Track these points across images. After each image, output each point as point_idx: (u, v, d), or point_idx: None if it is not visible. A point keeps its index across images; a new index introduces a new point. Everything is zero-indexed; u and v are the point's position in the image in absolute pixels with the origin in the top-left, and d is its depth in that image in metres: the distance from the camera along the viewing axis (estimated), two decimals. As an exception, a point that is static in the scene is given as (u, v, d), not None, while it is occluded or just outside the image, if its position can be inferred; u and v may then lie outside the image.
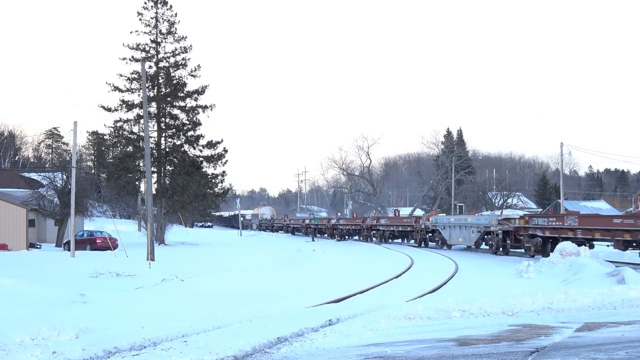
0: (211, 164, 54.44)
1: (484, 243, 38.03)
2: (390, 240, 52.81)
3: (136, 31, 54.06)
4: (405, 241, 51.52)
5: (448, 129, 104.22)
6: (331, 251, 40.66)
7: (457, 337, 9.71)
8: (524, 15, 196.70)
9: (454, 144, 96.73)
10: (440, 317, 11.72)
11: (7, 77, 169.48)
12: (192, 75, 54.37)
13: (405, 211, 79.55)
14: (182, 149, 53.83)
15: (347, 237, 63.47)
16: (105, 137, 59.62)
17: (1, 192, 52.41)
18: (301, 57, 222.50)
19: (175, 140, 54.07)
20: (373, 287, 19.21)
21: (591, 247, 26.85)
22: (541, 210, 73.01)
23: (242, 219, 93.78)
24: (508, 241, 35.22)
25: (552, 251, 35.11)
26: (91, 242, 45.23)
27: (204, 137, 54.04)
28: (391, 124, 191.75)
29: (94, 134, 64.82)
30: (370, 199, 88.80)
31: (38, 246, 47.62)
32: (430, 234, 45.35)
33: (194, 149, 54.18)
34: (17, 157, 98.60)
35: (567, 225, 28.98)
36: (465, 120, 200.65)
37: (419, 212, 78.51)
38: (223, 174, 55.17)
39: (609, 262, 21.60)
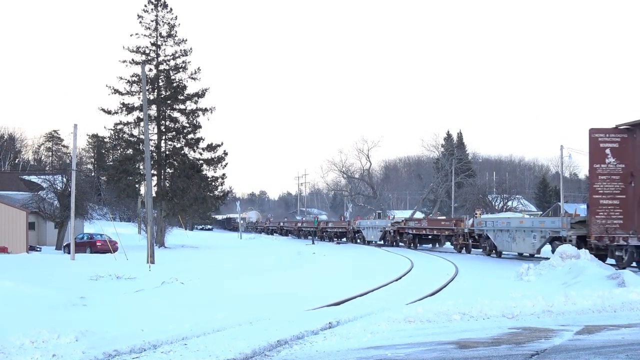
0: (211, 167, 54.48)
1: (383, 240, 52.88)
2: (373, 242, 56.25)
3: (136, 34, 54.17)
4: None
5: (448, 131, 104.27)
6: (331, 254, 40.64)
7: (457, 340, 9.71)
8: (523, 18, 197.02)
9: (454, 146, 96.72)
10: (440, 320, 11.71)
11: (7, 80, 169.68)
12: (192, 78, 54.44)
13: (405, 214, 79.57)
14: (182, 151, 53.86)
15: (334, 239, 65.61)
16: (105, 139, 59.65)
17: (1, 194, 52.44)
18: (301, 59, 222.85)
19: (175, 143, 54.10)
20: (373, 290, 19.20)
21: (436, 241, 46.13)
22: (541, 213, 72.96)
23: (241, 221, 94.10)
24: (397, 237, 50.10)
25: (419, 244, 48.33)
26: (91, 245, 45.22)
27: (204, 139, 54.14)
28: (391, 126, 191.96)
29: (94, 136, 64.74)
30: (370, 202, 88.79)
31: (38, 249, 47.61)
32: (357, 234, 58.32)
33: (194, 151, 54.24)
34: (17, 159, 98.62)
35: (423, 226, 46.97)
36: (466, 123, 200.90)
37: (419, 215, 78.59)
38: (223, 176, 55.24)
39: (609, 265, 21.59)
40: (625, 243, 24.76)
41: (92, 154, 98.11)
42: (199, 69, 54.62)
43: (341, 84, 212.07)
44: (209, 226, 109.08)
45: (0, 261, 31.37)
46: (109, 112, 53.02)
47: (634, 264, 24.68)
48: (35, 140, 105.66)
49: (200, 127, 54.04)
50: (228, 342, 9.57)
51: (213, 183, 55.00)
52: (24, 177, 66.18)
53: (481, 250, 37.71)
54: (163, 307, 15.97)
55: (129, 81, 53.18)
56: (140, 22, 54.31)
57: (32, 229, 50.29)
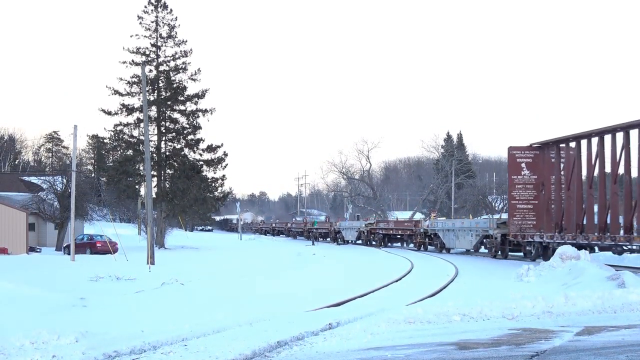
0: (211, 168, 54.54)
1: (359, 239, 58.29)
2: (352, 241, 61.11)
3: (136, 35, 54.22)
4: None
5: (448, 132, 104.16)
6: (331, 255, 40.62)
7: (457, 340, 9.70)
8: (523, 19, 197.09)
9: (454, 147, 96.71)
10: (440, 321, 11.71)
11: (7, 81, 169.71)
12: (192, 79, 54.50)
13: (405, 215, 79.75)
14: (182, 152, 53.90)
15: (320, 238, 70.93)
16: (105, 140, 59.68)
17: (1, 195, 52.47)
18: (301, 60, 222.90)
19: (175, 144, 54.13)
20: (373, 291, 19.20)
21: (403, 240, 51.57)
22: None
23: (241, 223, 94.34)
24: (370, 237, 55.44)
25: (389, 243, 54.11)
26: (91, 246, 45.23)
27: (204, 140, 54.20)
28: (391, 127, 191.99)
29: (94, 137, 64.74)
30: (370, 203, 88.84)
31: (38, 250, 47.60)
32: (337, 234, 64.24)
33: (194, 152, 54.28)
34: (17, 160, 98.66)
35: (390, 227, 53.03)
36: (466, 124, 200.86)
37: (419, 216, 78.59)
38: (223, 177, 55.30)
39: (608, 266, 21.61)
40: (532, 240, 30.35)
41: (92, 155, 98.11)
42: (199, 70, 54.73)
43: (341, 85, 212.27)
44: (209, 227, 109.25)
45: (0, 262, 31.37)
46: (109, 113, 53.05)
47: (540, 258, 29.06)
48: (35, 141, 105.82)
49: (200, 128, 54.11)
50: (228, 343, 9.57)
51: (213, 184, 55.05)
52: (24, 178, 66.22)
53: (434, 247, 43.79)
54: (163, 308, 15.97)
55: (129, 82, 53.22)
56: (141, 23, 54.37)
57: (32, 230, 50.28)
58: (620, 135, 25.24)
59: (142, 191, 57.16)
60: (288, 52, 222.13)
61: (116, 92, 52.89)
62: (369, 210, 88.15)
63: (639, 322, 11.43)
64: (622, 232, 24.77)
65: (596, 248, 26.68)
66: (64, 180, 50.65)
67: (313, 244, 62.49)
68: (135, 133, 53.41)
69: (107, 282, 22.56)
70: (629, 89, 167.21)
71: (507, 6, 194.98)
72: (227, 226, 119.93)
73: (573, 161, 28.69)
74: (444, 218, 58.11)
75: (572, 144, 29.16)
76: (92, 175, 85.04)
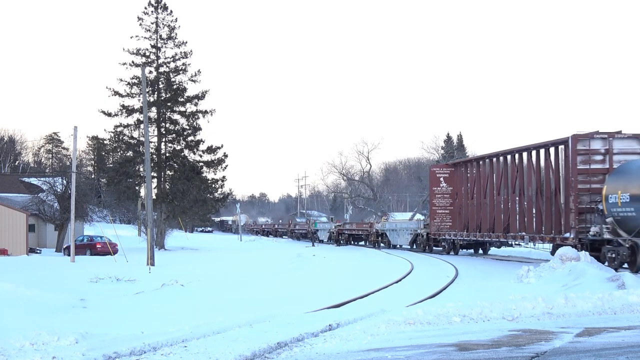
0: (211, 169, 54.56)
1: (330, 239, 65.79)
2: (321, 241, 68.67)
3: (136, 36, 54.23)
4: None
5: (448, 133, 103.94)
6: (331, 256, 40.60)
7: (457, 342, 9.70)
8: (524, 19, 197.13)
9: (454, 148, 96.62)
10: (440, 322, 11.71)
11: (7, 82, 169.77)
12: (192, 80, 54.51)
13: (405, 216, 79.79)
14: (182, 154, 53.91)
15: (300, 238, 78.72)
16: (105, 142, 59.66)
17: (1, 197, 52.46)
18: (301, 61, 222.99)
19: (175, 145, 54.14)
20: (373, 292, 19.19)
21: (363, 239, 59.17)
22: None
23: (241, 224, 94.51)
24: (339, 237, 62.91)
25: (353, 241, 62.49)
26: (91, 247, 45.23)
27: (204, 142, 54.20)
28: (391, 128, 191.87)
29: (94, 138, 64.80)
30: (370, 204, 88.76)
31: (38, 251, 47.60)
32: (314, 234, 70.88)
33: (194, 154, 54.29)
34: (17, 162, 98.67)
35: (354, 228, 62.02)
36: (466, 125, 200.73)
37: (419, 217, 78.65)
38: (223, 179, 55.31)
39: (609, 267, 21.60)
40: (445, 237, 40.10)
41: (92, 156, 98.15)
42: (199, 71, 54.74)
43: (341, 86, 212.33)
44: (209, 228, 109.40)
45: (0, 263, 31.37)
46: (109, 114, 53.05)
47: (452, 252, 39.61)
48: (35, 142, 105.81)
49: (200, 129, 54.12)
50: (228, 344, 9.57)
51: (213, 185, 55.08)
52: (24, 179, 66.16)
53: (383, 244, 52.11)
54: (163, 309, 15.98)
55: (129, 83, 53.22)
56: (141, 24, 54.38)
57: (32, 231, 50.27)
58: (502, 159, 33.54)
59: (142, 192, 57.16)
60: (288, 53, 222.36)
61: (116, 93, 52.90)
62: (369, 211, 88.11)
63: (639, 324, 11.43)
64: (501, 231, 33.06)
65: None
66: (64, 181, 50.63)
67: (313, 245, 62.61)
68: (136, 134, 53.44)
69: (107, 284, 22.57)
70: (629, 89, 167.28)
71: (507, 7, 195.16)
72: (223, 227, 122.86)
73: (474, 177, 37.13)
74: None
75: (474, 164, 37.61)
76: (92, 176, 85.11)
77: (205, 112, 53.93)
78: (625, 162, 25.07)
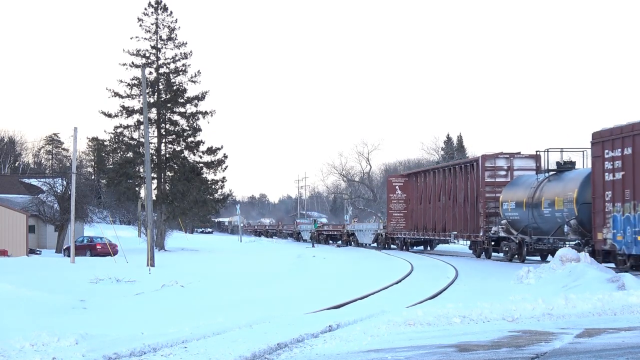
0: (211, 170, 54.51)
1: (311, 238, 70.09)
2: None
3: (136, 37, 54.13)
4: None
5: (448, 134, 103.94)
6: (331, 257, 40.61)
7: (457, 343, 9.71)
8: (524, 20, 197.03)
9: (454, 149, 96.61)
10: (440, 323, 11.72)
11: (7, 83, 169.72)
12: (192, 81, 54.43)
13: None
14: (182, 155, 53.84)
15: (287, 237, 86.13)
16: (105, 143, 59.59)
17: (1, 197, 52.40)
18: (301, 62, 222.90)
19: (175, 146, 54.09)
20: (373, 293, 19.19)
21: (336, 238, 67.78)
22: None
23: (241, 225, 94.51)
24: (318, 236, 69.99)
25: (330, 240, 71.00)
26: (91, 248, 45.20)
27: (204, 143, 54.12)
28: (391, 129, 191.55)
29: (94, 140, 64.85)
30: (371, 205, 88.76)
31: (38, 252, 47.58)
32: (299, 234, 79.94)
33: (194, 155, 54.23)
34: (17, 163, 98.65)
35: (330, 229, 71.14)
36: (466, 126, 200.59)
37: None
38: (223, 180, 55.25)
39: (609, 268, 21.61)
40: (397, 236, 48.59)
41: (92, 157, 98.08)
42: (199, 72, 54.65)
43: (341, 87, 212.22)
44: (209, 229, 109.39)
45: (0, 264, 31.37)
46: (109, 115, 53.00)
47: (405, 248, 47.78)
48: (35, 143, 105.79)
49: (200, 130, 54.07)
50: (228, 345, 9.57)
51: (213, 186, 55.02)
52: (24, 180, 66.14)
53: (353, 243, 60.16)
54: (163, 310, 15.99)
55: (129, 84, 53.16)
56: (141, 25, 54.33)
57: (32, 232, 50.25)
58: (441, 172, 41.19)
59: (142, 193, 57.11)
60: (288, 54, 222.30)
61: (116, 94, 52.85)
62: (369, 212, 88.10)
63: (639, 324, 11.43)
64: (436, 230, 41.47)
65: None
66: (64, 182, 50.62)
67: (313, 246, 62.59)
68: (135, 135, 53.37)
69: (107, 284, 22.55)
70: (629, 89, 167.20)
71: (507, 8, 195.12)
72: (220, 228, 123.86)
73: (421, 187, 44.60)
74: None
75: (422, 175, 45.32)
76: (92, 177, 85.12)
77: (205, 113, 53.89)
78: (516, 177, 32.95)
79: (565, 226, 26.63)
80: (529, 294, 15.77)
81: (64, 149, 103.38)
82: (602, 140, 23.08)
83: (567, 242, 26.75)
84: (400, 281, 23.22)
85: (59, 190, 50.58)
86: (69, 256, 38.17)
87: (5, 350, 9.34)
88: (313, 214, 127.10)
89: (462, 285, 21.75)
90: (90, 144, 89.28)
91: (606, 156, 22.61)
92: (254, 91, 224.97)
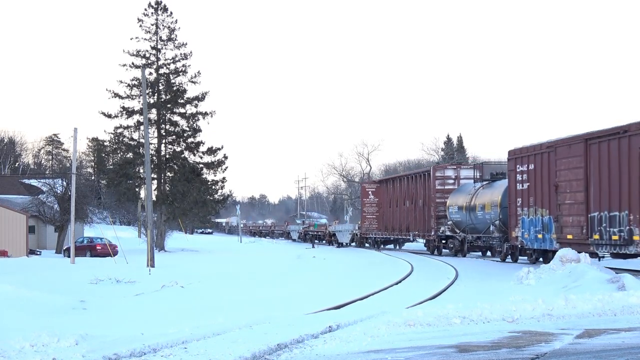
0: (211, 171, 54.54)
1: (299, 238, 78.74)
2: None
3: (136, 38, 54.20)
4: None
5: (448, 135, 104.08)
6: (331, 258, 40.58)
7: (457, 343, 9.70)
8: (524, 21, 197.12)
9: (454, 150, 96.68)
10: (440, 324, 11.71)
11: (7, 84, 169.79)
12: (192, 82, 54.46)
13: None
14: (182, 155, 53.87)
15: (279, 237, 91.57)
16: (105, 143, 59.68)
17: (1, 198, 52.45)
18: (301, 63, 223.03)
19: (175, 147, 54.12)
20: (373, 294, 19.18)
21: (320, 237, 70.69)
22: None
23: (241, 225, 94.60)
24: (305, 236, 75.73)
25: (316, 240, 71.49)
26: (91, 249, 45.23)
27: (204, 143, 54.18)
28: (391, 130, 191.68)
29: (94, 140, 64.98)
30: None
31: (38, 253, 47.62)
32: (289, 234, 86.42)
33: (194, 155, 54.28)
34: (17, 163, 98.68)
35: (315, 229, 74.65)
36: (466, 127, 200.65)
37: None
38: (223, 180, 55.28)
39: (609, 268, 21.62)
40: (369, 236, 53.52)
41: (92, 158, 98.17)
42: (199, 72, 54.69)
43: (341, 87, 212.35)
44: (209, 230, 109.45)
45: (0, 265, 31.37)
46: (109, 116, 53.03)
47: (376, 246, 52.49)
48: (35, 143, 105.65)
49: (200, 130, 54.11)
50: (228, 345, 9.57)
51: (213, 187, 55.04)
52: (24, 180, 66.19)
53: (335, 242, 63.99)
54: (163, 310, 15.99)
55: (129, 85, 53.20)
56: (141, 25, 54.38)
57: (32, 233, 50.30)
58: (406, 179, 45.85)
59: (142, 194, 57.12)
60: (288, 55, 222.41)
61: (116, 94, 52.88)
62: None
63: (639, 325, 11.43)
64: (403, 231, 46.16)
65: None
66: (64, 183, 50.66)
67: (313, 246, 62.58)
68: (135, 136, 53.41)
69: (107, 285, 22.55)
70: (628, 89, 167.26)
71: (507, 8, 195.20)
72: (219, 229, 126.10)
73: (391, 192, 48.89)
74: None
75: (391, 182, 49.68)
76: (92, 178, 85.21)
77: (205, 114, 53.92)
78: (460, 185, 38.85)
79: (492, 226, 32.24)
80: (529, 294, 15.76)
81: (64, 150, 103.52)
82: (515, 157, 28.01)
83: (493, 240, 32.60)
84: (400, 282, 23.23)
85: (59, 191, 50.62)
86: (69, 257, 38.18)
87: (5, 350, 9.34)
88: (313, 214, 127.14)
89: (462, 285, 21.73)
90: (90, 144, 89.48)
91: (517, 170, 27.67)
92: (253, 91, 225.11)
